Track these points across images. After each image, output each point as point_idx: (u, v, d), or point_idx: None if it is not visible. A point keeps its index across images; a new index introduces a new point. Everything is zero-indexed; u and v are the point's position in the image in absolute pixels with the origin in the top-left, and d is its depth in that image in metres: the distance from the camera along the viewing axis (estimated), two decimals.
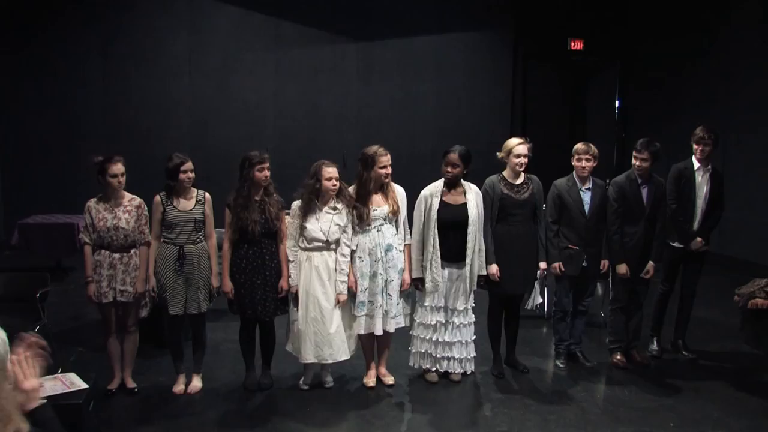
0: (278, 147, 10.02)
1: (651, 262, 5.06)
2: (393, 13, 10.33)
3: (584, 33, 10.86)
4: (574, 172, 5.09)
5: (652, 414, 4.33)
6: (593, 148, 5.02)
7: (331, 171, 4.51)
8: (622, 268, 5.04)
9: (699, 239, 5.21)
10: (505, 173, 4.95)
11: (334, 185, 4.51)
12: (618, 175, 5.31)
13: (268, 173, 4.52)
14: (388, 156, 4.64)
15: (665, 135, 9.98)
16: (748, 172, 8.37)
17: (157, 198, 4.50)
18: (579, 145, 5.07)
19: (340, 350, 4.51)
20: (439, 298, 4.69)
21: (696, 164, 5.21)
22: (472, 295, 4.79)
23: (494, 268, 4.76)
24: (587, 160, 4.99)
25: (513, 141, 4.93)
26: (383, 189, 4.67)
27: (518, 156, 4.83)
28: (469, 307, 4.77)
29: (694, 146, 5.18)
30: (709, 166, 5.22)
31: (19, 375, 1.91)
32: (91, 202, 4.46)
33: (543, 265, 4.96)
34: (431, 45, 10.55)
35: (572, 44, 10.88)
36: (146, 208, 4.53)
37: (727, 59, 8.81)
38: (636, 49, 10.69)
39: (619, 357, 5.19)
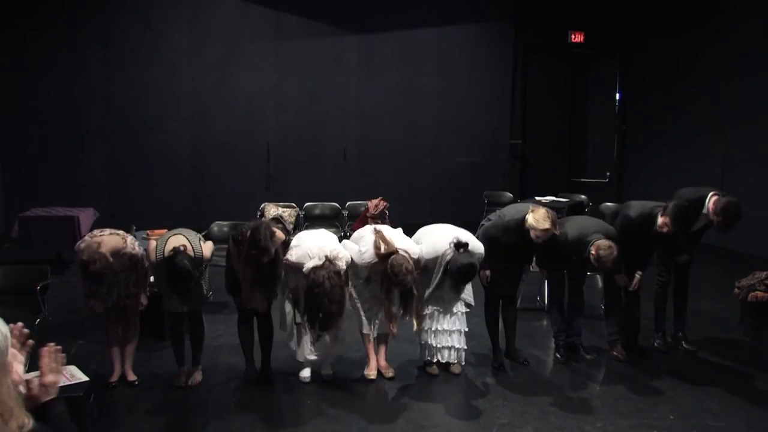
0: (278, 140, 10.04)
1: (638, 274, 5.07)
2: (393, 5, 10.31)
3: (585, 26, 10.85)
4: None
5: (651, 406, 4.34)
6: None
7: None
8: (621, 279, 5.06)
9: (686, 256, 5.25)
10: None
11: None
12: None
13: (267, 259, 4.29)
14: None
15: (665, 128, 10.01)
16: (748, 165, 8.36)
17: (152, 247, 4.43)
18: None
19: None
20: (436, 287, 4.71)
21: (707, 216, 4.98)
22: (469, 285, 4.79)
23: (485, 274, 4.90)
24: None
25: (541, 223, 4.63)
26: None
27: (537, 237, 4.68)
28: (463, 296, 4.78)
29: (714, 217, 4.86)
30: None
31: (45, 368, 1.95)
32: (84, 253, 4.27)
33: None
34: (431, 37, 10.53)
35: (573, 37, 10.86)
36: (142, 258, 4.48)
37: (728, 52, 8.78)
38: (636, 42, 10.66)
39: (619, 349, 5.20)
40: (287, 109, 10.12)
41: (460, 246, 4.47)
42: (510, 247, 4.84)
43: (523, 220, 4.73)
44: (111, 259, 4.15)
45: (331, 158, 10.24)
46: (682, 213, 4.77)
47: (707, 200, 4.97)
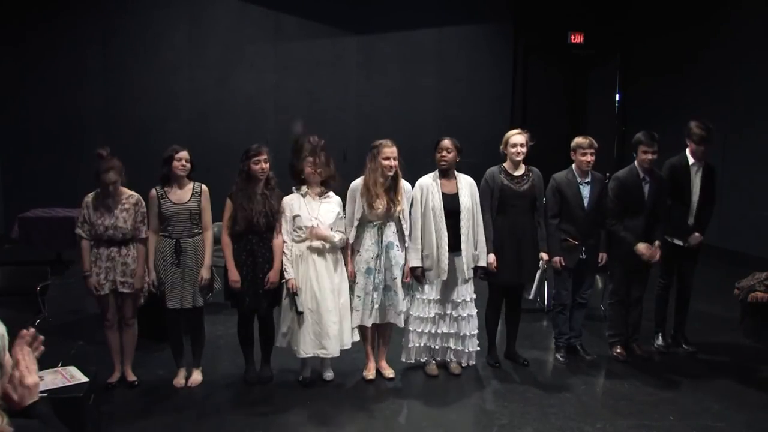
0: (278, 140, 10.02)
1: (657, 242, 5.04)
2: (393, 5, 10.31)
3: (585, 26, 10.85)
4: (573, 165, 5.08)
5: (652, 407, 4.34)
6: (594, 142, 5.02)
7: (310, 159, 4.54)
8: (642, 247, 4.96)
9: (697, 234, 5.20)
10: (505, 165, 4.96)
11: (319, 171, 4.54)
12: (618, 169, 5.29)
13: (265, 165, 4.50)
14: (394, 149, 4.64)
15: (665, 128, 9.98)
16: (747, 166, 8.36)
17: (153, 192, 4.49)
18: (581, 140, 5.04)
19: (338, 343, 4.50)
20: (436, 290, 4.70)
21: (690, 159, 5.17)
22: (472, 286, 4.79)
23: (492, 258, 4.77)
24: (591, 154, 4.98)
25: (510, 132, 4.98)
26: (389, 185, 4.63)
27: (514, 145, 4.85)
28: (468, 298, 4.75)
29: (693, 145, 5.12)
30: (702, 161, 5.19)
31: (24, 371, 1.91)
32: (89, 198, 4.47)
33: (545, 256, 4.96)
34: (432, 38, 10.53)
35: (573, 37, 10.86)
36: (144, 204, 4.50)
37: (728, 52, 8.79)
38: (636, 43, 10.66)
39: (619, 350, 5.20)
40: (287, 110, 10.13)
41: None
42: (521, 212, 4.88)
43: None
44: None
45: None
46: (654, 134, 5.03)
47: (686, 152, 5.18)
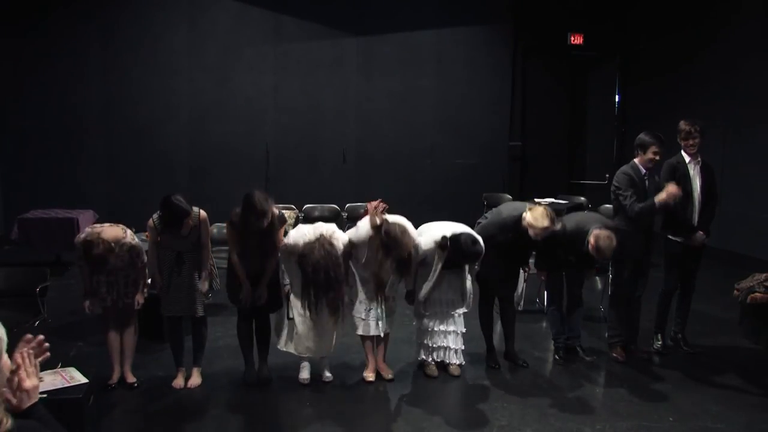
0: (277, 142, 10.04)
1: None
2: (393, 7, 10.31)
3: (584, 27, 10.85)
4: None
5: (651, 408, 4.34)
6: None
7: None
8: (671, 188, 4.89)
9: (701, 233, 5.20)
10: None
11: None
12: (618, 169, 5.30)
13: (265, 222, 4.33)
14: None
15: (665, 129, 9.98)
16: (748, 166, 8.37)
17: (151, 223, 4.42)
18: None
19: (331, 343, 4.56)
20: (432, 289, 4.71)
21: (687, 158, 5.21)
22: (468, 284, 4.78)
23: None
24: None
25: (539, 222, 4.63)
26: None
27: (535, 235, 4.69)
28: (461, 297, 4.77)
29: (683, 142, 5.20)
30: (699, 159, 5.23)
31: (22, 374, 1.92)
32: (84, 239, 4.27)
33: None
34: (431, 39, 10.53)
35: (572, 39, 10.86)
36: (142, 249, 4.46)
37: (728, 54, 8.79)
38: (636, 44, 10.67)
39: (618, 351, 5.21)
40: (287, 111, 10.12)
41: (444, 246, 4.47)
42: (507, 245, 4.82)
43: (521, 217, 4.71)
44: (112, 244, 4.15)
45: (330, 160, 10.24)
46: (658, 134, 5.07)
47: (681, 152, 5.25)
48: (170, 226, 4.35)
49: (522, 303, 6.35)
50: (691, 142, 5.15)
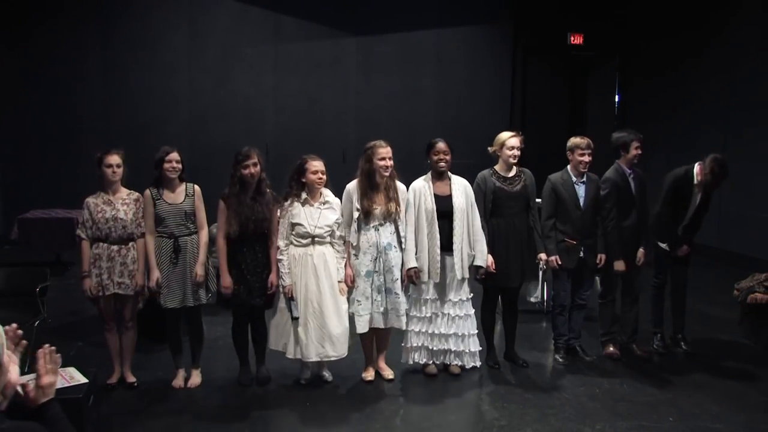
0: (277, 141, 10.03)
1: (641, 249, 5.12)
2: (392, 7, 10.32)
3: (584, 28, 10.86)
4: (569, 166, 5.10)
5: (651, 408, 4.34)
6: (591, 143, 5.05)
7: (316, 165, 4.53)
8: (620, 265, 5.03)
9: (685, 247, 5.27)
10: (497, 167, 5.00)
11: (320, 178, 4.54)
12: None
13: (254, 170, 4.49)
14: (388, 149, 4.64)
15: (665, 130, 10.01)
16: (747, 166, 8.37)
17: (147, 192, 4.51)
18: (578, 140, 5.06)
19: (342, 346, 4.49)
20: (432, 290, 4.70)
21: (696, 179, 5.13)
22: (467, 286, 4.78)
23: (490, 260, 4.76)
24: (588, 154, 5.00)
25: (505, 134, 4.99)
26: (385, 186, 4.64)
27: (511, 148, 4.88)
28: (465, 298, 4.75)
29: (705, 177, 5.09)
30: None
31: (41, 369, 1.96)
32: (90, 198, 4.49)
33: (543, 256, 4.98)
34: (431, 39, 10.54)
35: (572, 39, 10.87)
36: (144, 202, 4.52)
37: (727, 53, 8.80)
38: (636, 44, 10.67)
39: (611, 349, 5.22)
40: (286, 111, 10.14)
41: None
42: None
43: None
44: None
45: (330, 160, 10.09)
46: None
47: (694, 170, 5.16)
48: (157, 166, 4.48)
49: (544, 303, 6.36)
50: (710, 181, 5.08)
